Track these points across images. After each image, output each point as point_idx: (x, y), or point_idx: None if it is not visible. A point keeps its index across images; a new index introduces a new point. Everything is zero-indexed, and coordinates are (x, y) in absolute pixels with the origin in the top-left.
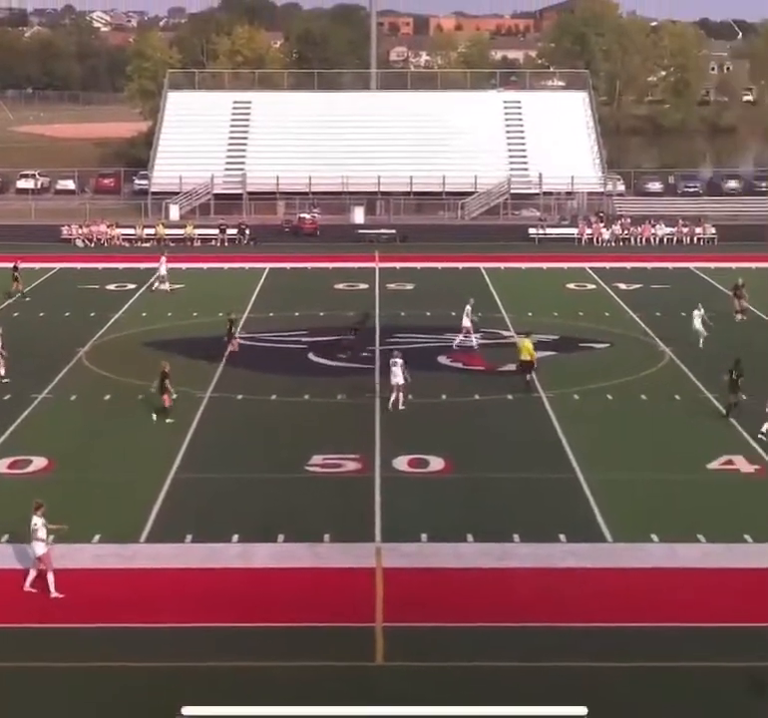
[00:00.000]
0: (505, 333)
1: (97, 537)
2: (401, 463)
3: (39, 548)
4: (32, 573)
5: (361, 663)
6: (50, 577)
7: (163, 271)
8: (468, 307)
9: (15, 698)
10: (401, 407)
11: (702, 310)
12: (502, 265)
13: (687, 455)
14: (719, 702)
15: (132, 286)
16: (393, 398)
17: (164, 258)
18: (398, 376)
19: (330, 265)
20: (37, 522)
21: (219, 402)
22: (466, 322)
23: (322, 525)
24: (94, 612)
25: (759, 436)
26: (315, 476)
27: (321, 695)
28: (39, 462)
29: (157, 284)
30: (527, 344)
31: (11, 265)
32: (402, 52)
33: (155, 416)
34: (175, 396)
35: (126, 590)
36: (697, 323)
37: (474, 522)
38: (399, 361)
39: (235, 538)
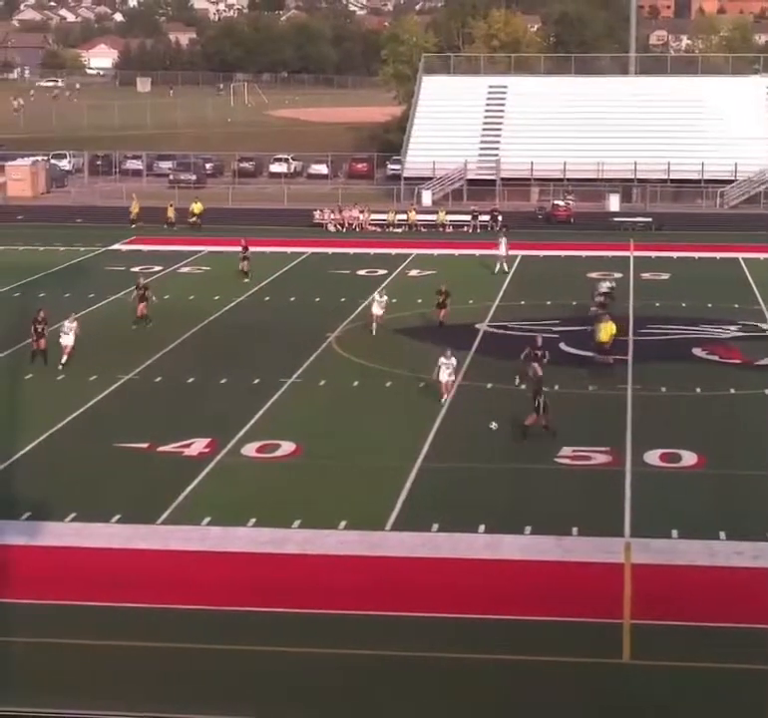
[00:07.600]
0: (763, 326)
1: (343, 523)
2: (653, 457)
3: None
4: None
5: (608, 660)
6: None
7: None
8: None
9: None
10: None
11: None
12: (762, 256)
13: None
14: None
15: (382, 272)
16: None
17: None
18: (447, 375)
19: (583, 253)
20: None
21: (468, 390)
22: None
23: (570, 517)
24: (336, 599)
25: None
26: (565, 468)
27: (566, 692)
28: (287, 446)
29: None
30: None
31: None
32: (662, 36)
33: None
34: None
35: (369, 578)
36: None
37: (727, 519)
38: (452, 361)
39: (482, 528)
